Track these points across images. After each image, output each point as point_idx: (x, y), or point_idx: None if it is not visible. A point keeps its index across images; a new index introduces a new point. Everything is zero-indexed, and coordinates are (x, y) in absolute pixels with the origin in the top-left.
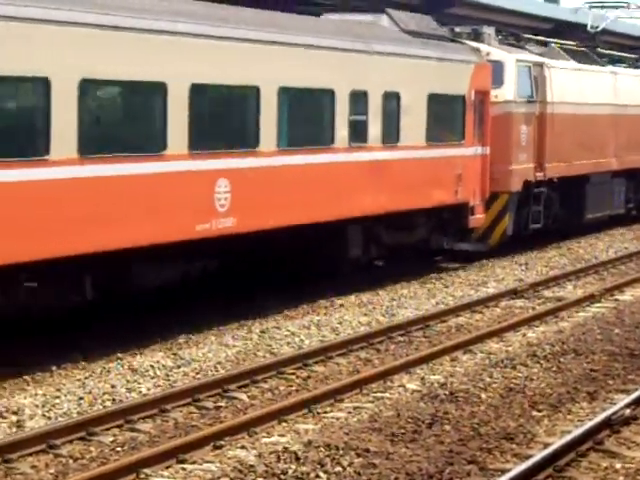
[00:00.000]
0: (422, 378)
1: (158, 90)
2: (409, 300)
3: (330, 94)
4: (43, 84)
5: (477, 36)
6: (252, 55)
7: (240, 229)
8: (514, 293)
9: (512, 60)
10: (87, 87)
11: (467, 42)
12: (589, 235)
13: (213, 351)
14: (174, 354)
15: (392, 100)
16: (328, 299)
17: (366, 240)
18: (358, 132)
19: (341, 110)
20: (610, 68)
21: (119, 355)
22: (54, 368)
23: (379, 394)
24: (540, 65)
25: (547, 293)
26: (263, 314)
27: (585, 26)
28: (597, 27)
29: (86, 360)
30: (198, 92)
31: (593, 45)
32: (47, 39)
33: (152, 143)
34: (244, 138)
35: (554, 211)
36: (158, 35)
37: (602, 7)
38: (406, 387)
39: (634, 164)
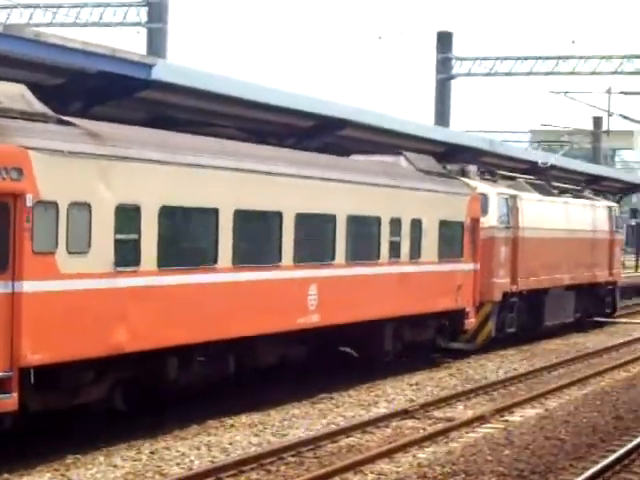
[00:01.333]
0: None
1: (276, 217)
2: (300, 420)
3: (378, 220)
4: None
5: (464, 173)
6: (319, 190)
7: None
8: (405, 413)
9: (494, 193)
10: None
11: (460, 178)
12: (479, 356)
13: (102, 472)
14: (62, 475)
15: (417, 225)
16: (218, 419)
17: (394, 337)
18: (394, 250)
19: (384, 233)
20: (563, 199)
21: (6, 476)
22: None
23: None
24: (514, 197)
25: (437, 413)
26: (153, 434)
27: (536, 163)
28: (546, 163)
29: None
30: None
31: (544, 178)
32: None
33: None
34: (326, 254)
35: (522, 318)
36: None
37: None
38: None
39: (582, 280)
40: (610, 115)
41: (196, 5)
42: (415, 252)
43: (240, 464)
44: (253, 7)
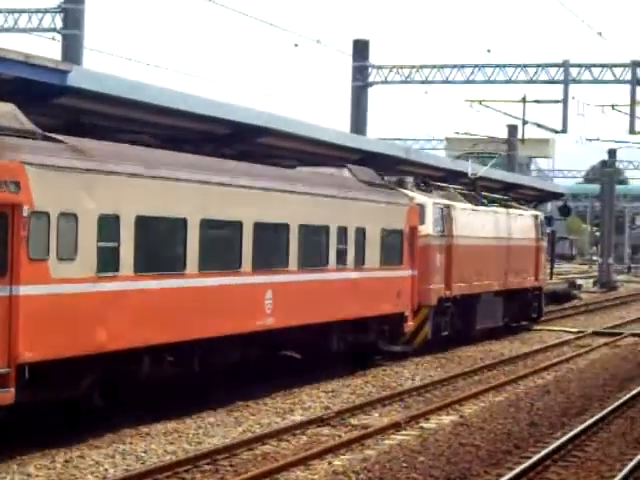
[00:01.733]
0: None
1: (237, 226)
2: (216, 428)
3: (326, 229)
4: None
5: (401, 183)
6: (274, 200)
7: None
8: (320, 421)
9: (430, 203)
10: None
11: (399, 189)
12: (395, 363)
13: None
14: None
15: (361, 233)
16: (133, 427)
17: (340, 339)
18: (341, 257)
19: (332, 241)
20: (492, 208)
21: None
22: None
23: None
24: (448, 206)
25: (353, 421)
26: (67, 442)
27: (466, 174)
28: (476, 174)
29: None
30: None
31: (473, 189)
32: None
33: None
34: (281, 260)
35: (455, 322)
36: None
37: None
38: None
39: (510, 285)
40: (525, 123)
41: (112, 11)
42: (360, 259)
43: (155, 472)
44: (170, 15)
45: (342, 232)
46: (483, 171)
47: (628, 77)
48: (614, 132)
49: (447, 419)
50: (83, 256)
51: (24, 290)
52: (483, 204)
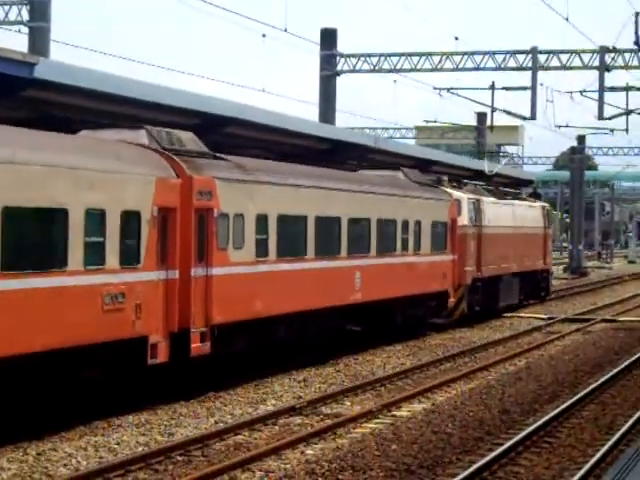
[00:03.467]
0: None
1: (335, 221)
2: (188, 419)
3: (394, 222)
4: None
5: (439, 182)
6: (359, 200)
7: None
8: (292, 410)
9: (465, 198)
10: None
11: (439, 187)
12: (366, 352)
13: None
14: None
15: (418, 225)
16: (105, 419)
17: (400, 312)
18: (404, 244)
19: (398, 231)
20: (510, 201)
21: None
22: None
23: None
24: (478, 201)
25: (325, 410)
26: (38, 435)
27: (483, 171)
28: (492, 171)
29: None
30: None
31: (491, 183)
32: None
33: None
34: (365, 247)
35: (484, 299)
36: None
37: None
38: None
39: (524, 268)
40: (494, 111)
41: (79, 3)
42: (417, 246)
43: (127, 464)
44: (139, 6)
45: (405, 224)
46: (498, 168)
47: (596, 63)
48: (583, 118)
49: (419, 407)
50: (247, 245)
51: (215, 271)
52: (503, 198)
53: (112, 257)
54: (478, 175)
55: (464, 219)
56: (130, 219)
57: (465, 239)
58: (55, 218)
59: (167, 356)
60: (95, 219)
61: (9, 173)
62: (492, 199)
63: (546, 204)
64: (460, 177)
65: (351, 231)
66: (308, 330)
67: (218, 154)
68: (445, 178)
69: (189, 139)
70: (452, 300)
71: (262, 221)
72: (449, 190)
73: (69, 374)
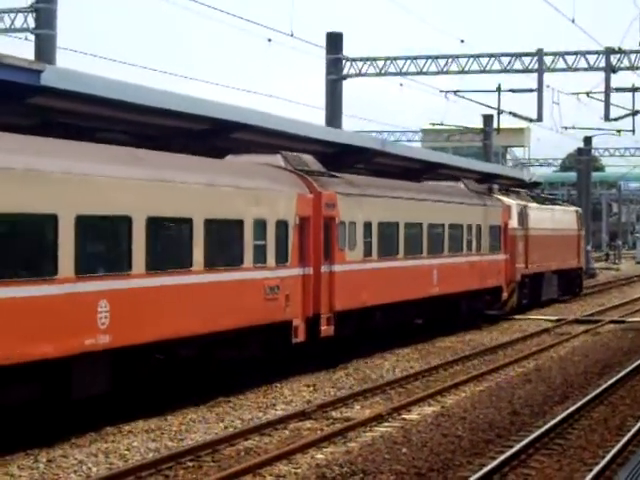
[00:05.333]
0: None
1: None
2: (198, 424)
3: (461, 227)
4: None
5: (491, 190)
6: (435, 208)
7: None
8: (302, 415)
9: (515, 204)
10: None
11: (491, 195)
12: (375, 355)
13: None
14: None
15: (479, 229)
16: (115, 425)
17: (464, 305)
18: (469, 245)
19: (465, 234)
20: (549, 206)
21: None
22: None
23: None
24: (525, 206)
25: (335, 414)
26: (50, 442)
27: (523, 180)
28: (530, 179)
29: None
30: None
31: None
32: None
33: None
34: (440, 247)
35: (530, 293)
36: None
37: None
38: None
39: (562, 266)
40: (500, 113)
41: (85, 10)
42: (478, 247)
43: (138, 470)
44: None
45: (469, 228)
46: (536, 177)
47: (602, 64)
48: (590, 120)
49: (429, 410)
50: (358, 247)
51: (337, 268)
52: (544, 203)
53: (270, 257)
54: (518, 183)
55: (514, 223)
56: (281, 226)
57: (515, 240)
58: (235, 227)
59: (305, 336)
60: (260, 227)
61: (209, 195)
62: (535, 204)
63: (579, 208)
64: (505, 185)
65: (430, 234)
66: (395, 319)
67: (332, 172)
68: (496, 187)
69: (311, 161)
70: (505, 294)
71: (367, 227)
72: (501, 197)
73: (241, 350)
